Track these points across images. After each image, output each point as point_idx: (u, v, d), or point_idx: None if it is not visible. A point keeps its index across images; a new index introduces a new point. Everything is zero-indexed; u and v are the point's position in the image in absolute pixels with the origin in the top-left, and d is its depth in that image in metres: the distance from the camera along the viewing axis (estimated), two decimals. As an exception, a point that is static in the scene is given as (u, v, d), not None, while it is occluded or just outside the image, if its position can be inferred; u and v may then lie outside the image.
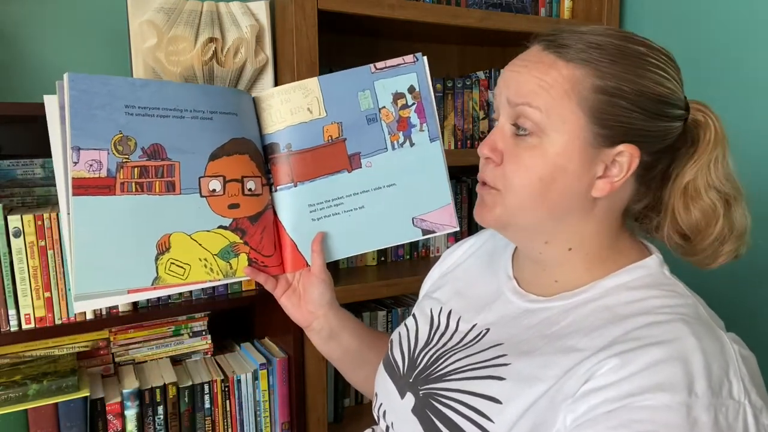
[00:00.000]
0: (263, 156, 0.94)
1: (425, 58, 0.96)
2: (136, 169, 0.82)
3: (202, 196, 0.87)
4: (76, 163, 0.78)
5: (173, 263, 0.85)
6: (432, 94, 0.96)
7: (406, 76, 0.96)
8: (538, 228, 0.75)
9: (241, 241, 0.90)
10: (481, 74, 1.74)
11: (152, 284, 0.84)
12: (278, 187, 0.94)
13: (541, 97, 0.70)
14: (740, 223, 0.74)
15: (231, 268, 0.90)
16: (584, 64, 0.69)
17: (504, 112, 0.74)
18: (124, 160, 0.82)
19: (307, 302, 0.96)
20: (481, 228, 0.88)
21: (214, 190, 0.88)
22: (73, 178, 0.78)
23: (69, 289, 1.19)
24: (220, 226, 0.89)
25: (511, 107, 0.73)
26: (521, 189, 0.72)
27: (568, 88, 0.69)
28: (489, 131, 0.81)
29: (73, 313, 1.20)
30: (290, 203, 0.94)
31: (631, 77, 0.69)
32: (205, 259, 0.88)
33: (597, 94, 0.68)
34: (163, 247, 0.85)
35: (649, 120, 0.70)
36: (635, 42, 0.71)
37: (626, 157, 0.70)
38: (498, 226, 0.78)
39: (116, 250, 0.82)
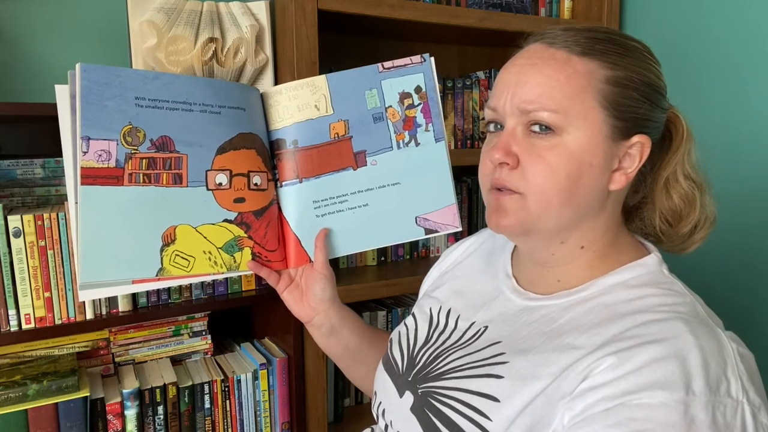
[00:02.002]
0: (269, 151, 0.94)
1: (432, 58, 0.97)
2: (144, 160, 0.83)
3: (208, 190, 0.88)
4: (85, 152, 0.79)
5: (178, 255, 0.86)
6: (438, 94, 0.97)
7: (413, 76, 0.96)
8: (560, 229, 0.74)
9: (246, 236, 0.91)
10: (481, 74, 1.74)
11: (156, 275, 0.85)
12: (283, 183, 0.94)
13: (555, 98, 0.69)
14: (710, 210, 0.78)
15: (235, 261, 0.91)
16: (598, 56, 0.70)
17: (512, 117, 0.72)
18: (133, 151, 0.82)
19: (309, 298, 0.96)
20: (481, 227, 0.88)
21: (220, 184, 0.89)
22: (81, 168, 0.79)
23: (69, 289, 1.19)
24: (225, 220, 0.89)
25: (522, 114, 0.71)
26: (548, 188, 0.70)
27: (585, 82, 0.69)
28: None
29: (73, 313, 1.20)
30: (295, 199, 0.94)
31: (637, 68, 0.71)
32: (210, 252, 0.89)
33: (611, 86, 0.69)
34: (169, 239, 0.85)
35: (653, 110, 0.72)
36: (629, 38, 0.74)
37: (638, 148, 0.71)
38: (520, 232, 0.75)
39: (122, 240, 0.82)
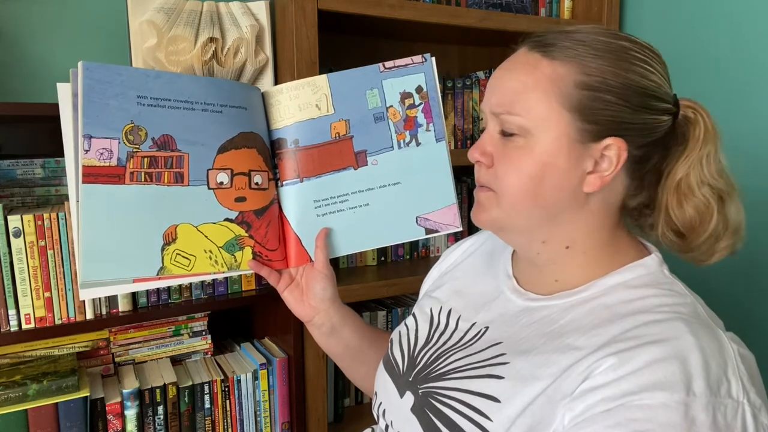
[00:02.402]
0: (270, 151, 0.94)
1: (433, 59, 0.97)
2: (145, 159, 0.83)
3: (209, 189, 0.88)
4: (87, 151, 0.79)
5: (179, 254, 0.86)
6: (439, 94, 0.98)
7: (414, 76, 0.97)
8: (534, 228, 0.75)
9: (247, 235, 0.91)
10: (481, 74, 1.74)
11: (157, 274, 0.85)
12: (284, 182, 0.94)
13: (520, 101, 0.71)
14: (734, 219, 0.74)
15: (235, 261, 0.91)
16: (569, 60, 0.70)
17: (491, 119, 0.76)
18: (135, 150, 0.82)
19: (310, 297, 0.97)
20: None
21: (221, 183, 0.89)
22: (83, 166, 0.79)
23: (69, 289, 1.19)
24: (226, 219, 0.90)
25: (495, 117, 0.74)
26: (513, 188, 0.73)
27: (550, 86, 0.70)
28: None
29: (73, 313, 1.20)
30: (296, 198, 0.95)
31: (616, 70, 0.69)
32: (210, 251, 0.89)
33: (580, 90, 0.69)
34: (170, 238, 0.85)
35: (635, 113, 0.70)
36: (620, 38, 0.72)
37: (614, 151, 0.70)
38: (494, 227, 0.79)
39: (123, 238, 0.82)
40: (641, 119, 0.71)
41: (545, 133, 0.70)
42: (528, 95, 0.71)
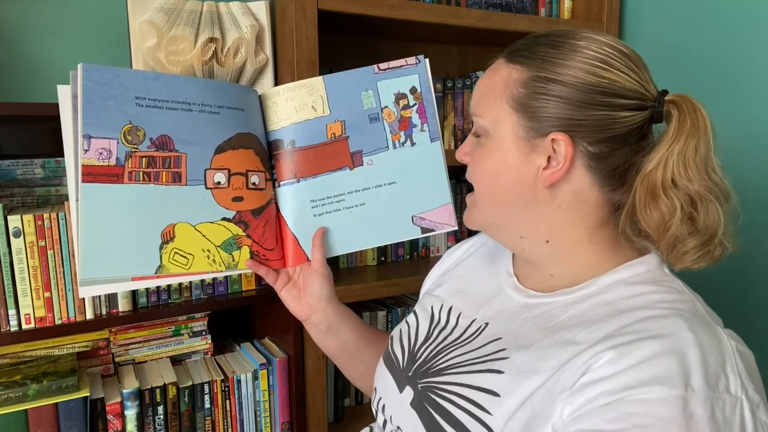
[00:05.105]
0: (267, 151, 0.95)
1: (427, 60, 0.99)
2: (144, 158, 0.84)
3: (207, 188, 0.89)
4: (86, 150, 0.80)
5: (177, 253, 0.87)
6: (433, 95, 0.99)
7: (409, 77, 0.98)
8: (507, 224, 0.78)
9: (244, 234, 0.92)
10: (480, 74, 1.73)
11: (155, 273, 0.86)
12: (281, 183, 0.95)
13: (482, 103, 0.77)
14: (704, 224, 0.69)
15: (233, 260, 0.91)
16: (522, 63, 0.74)
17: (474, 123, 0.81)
18: (133, 150, 0.83)
19: (307, 296, 0.97)
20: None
21: (219, 183, 0.89)
22: (82, 166, 0.80)
23: (69, 289, 1.19)
24: (224, 218, 0.90)
25: (472, 119, 0.80)
26: (479, 185, 0.79)
27: (502, 88, 0.74)
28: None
29: (73, 313, 1.20)
30: (293, 198, 0.95)
31: (559, 69, 0.71)
32: (208, 250, 0.89)
33: (524, 89, 0.72)
34: (168, 237, 0.86)
35: (581, 109, 0.70)
36: (578, 38, 0.72)
37: (563, 147, 0.71)
38: (478, 226, 0.83)
39: (122, 237, 0.83)
40: (587, 116, 0.70)
41: (499, 133, 0.75)
42: (487, 98, 0.76)
